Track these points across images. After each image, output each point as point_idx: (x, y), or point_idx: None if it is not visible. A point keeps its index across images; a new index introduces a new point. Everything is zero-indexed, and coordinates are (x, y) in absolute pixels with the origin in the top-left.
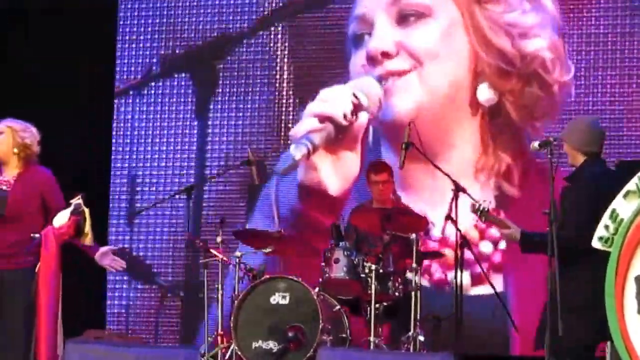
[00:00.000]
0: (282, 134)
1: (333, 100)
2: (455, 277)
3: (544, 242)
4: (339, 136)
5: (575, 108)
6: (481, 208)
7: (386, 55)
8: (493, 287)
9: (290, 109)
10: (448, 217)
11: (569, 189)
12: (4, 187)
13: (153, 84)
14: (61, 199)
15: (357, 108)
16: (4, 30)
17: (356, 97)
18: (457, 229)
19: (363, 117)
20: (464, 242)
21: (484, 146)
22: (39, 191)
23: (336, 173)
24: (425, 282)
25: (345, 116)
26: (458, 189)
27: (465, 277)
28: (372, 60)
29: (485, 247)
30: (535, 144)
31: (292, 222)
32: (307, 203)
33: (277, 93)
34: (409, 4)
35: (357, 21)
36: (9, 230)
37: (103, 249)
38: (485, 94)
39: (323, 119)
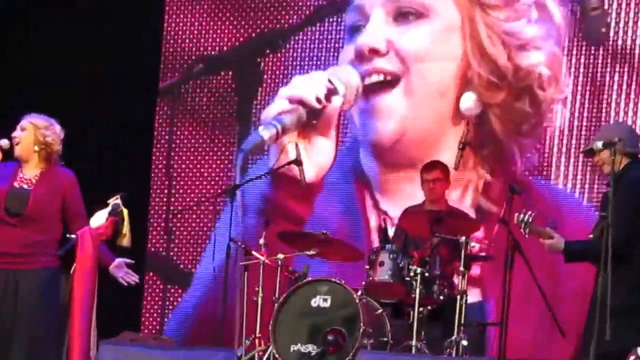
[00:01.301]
0: None
1: (306, 84)
2: (504, 282)
3: (588, 251)
4: (312, 121)
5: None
6: (525, 219)
7: (375, 52)
8: (541, 291)
9: None
10: (502, 220)
11: (612, 193)
12: (25, 186)
13: (196, 81)
14: (81, 203)
15: (330, 93)
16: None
17: (331, 82)
18: (510, 233)
19: (336, 102)
20: (515, 245)
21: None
22: (61, 193)
23: (309, 159)
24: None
25: (318, 100)
26: (513, 192)
27: None
28: (359, 56)
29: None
30: (599, 143)
31: (264, 209)
32: (280, 190)
33: None
34: (408, 1)
35: (355, 12)
36: (27, 230)
37: (118, 260)
38: (468, 103)
39: (294, 101)
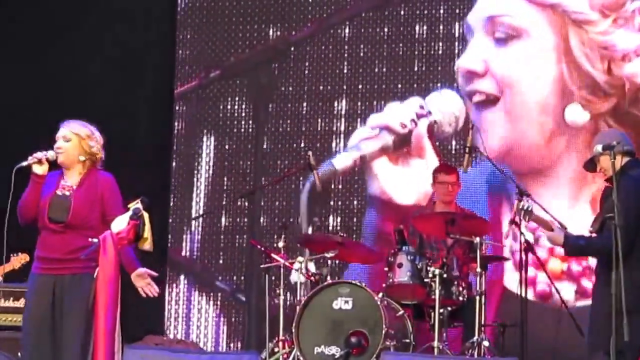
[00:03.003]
0: (341, 139)
1: (395, 110)
2: (521, 282)
3: (590, 246)
4: (403, 147)
5: None
6: (525, 207)
7: (474, 74)
8: (559, 294)
9: (351, 113)
10: (512, 221)
11: (611, 190)
12: (67, 193)
13: (213, 87)
14: (120, 205)
15: (419, 117)
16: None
17: (422, 107)
18: (522, 234)
19: (422, 125)
20: (528, 247)
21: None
22: (100, 196)
23: (404, 182)
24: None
25: (402, 125)
26: (522, 194)
27: (570, 291)
28: (462, 76)
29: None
30: (599, 147)
31: (370, 236)
32: (382, 215)
33: (337, 97)
34: (505, 24)
35: (466, 27)
36: (71, 236)
37: (140, 270)
38: (573, 115)
39: (379, 127)
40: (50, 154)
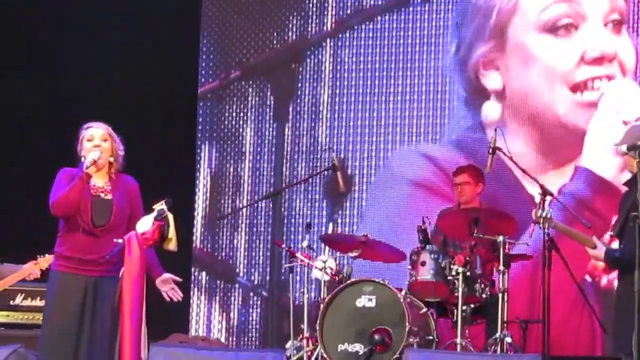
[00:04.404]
0: (364, 138)
1: None
2: (543, 279)
3: (623, 255)
4: None
5: None
6: (544, 215)
7: (603, 59)
8: (580, 289)
9: (375, 114)
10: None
11: (629, 194)
12: (107, 197)
13: (234, 87)
14: (142, 208)
15: None
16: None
17: None
18: (545, 232)
19: None
20: (551, 245)
21: None
22: (131, 200)
23: None
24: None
25: None
26: (545, 193)
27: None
28: (591, 59)
29: None
30: (623, 147)
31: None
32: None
33: (358, 97)
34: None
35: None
36: (107, 238)
37: (166, 275)
38: None
39: None
40: (97, 154)
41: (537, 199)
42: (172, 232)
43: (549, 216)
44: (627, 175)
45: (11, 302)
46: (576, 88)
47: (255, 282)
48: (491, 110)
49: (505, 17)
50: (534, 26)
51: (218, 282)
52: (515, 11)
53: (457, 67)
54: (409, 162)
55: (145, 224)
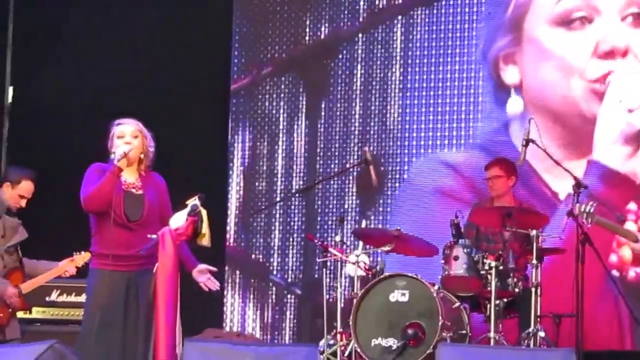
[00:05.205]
0: (397, 134)
1: None
2: (576, 273)
3: None
4: None
5: None
6: (587, 210)
7: (614, 53)
8: (615, 282)
9: (407, 109)
10: (570, 213)
11: None
12: (138, 192)
13: (266, 82)
14: (170, 204)
15: None
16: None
17: None
18: (579, 226)
19: None
20: (585, 238)
21: None
22: (160, 196)
23: None
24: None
25: None
26: (579, 186)
27: None
28: (602, 53)
29: None
30: None
31: None
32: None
33: (389, 92)
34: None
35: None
36: (142, 233)
37: (201, 266)
38: None
39: None
40: (127, 147)
41: (562, 195)
42: (205, 228)
43: (591, 211)
44: (635, 163)
45: (47, 299)
46: (590, 81)
47: (288, 277)
48: (514, 104)
49: (521, 11)
50: (548, 19)
51: (251, 277)
52: (530, 4)
53: (478, 62)
54: (442, 156)
55: (178, 219)
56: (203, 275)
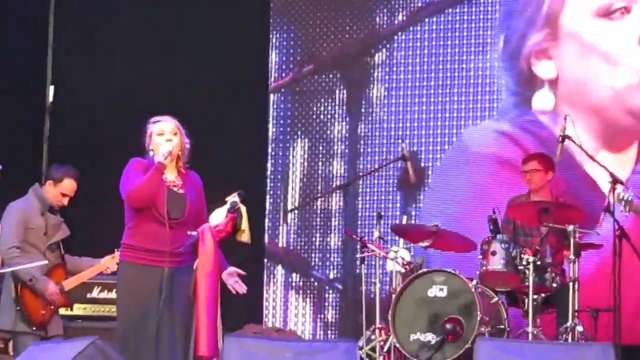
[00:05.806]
0: (436, 131)
1: None
2: (614, 269)
3: None
4: None
5: None
6: (626, 197)
7: None
8: None
9: (447, 106)
10: (606, 209)
11: None
12: (180, 191)
13: (305, 81)
14: (205, 203)
15: None
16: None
17: None
18: (615, 221)
19: None
20: (621, 233)
21: None
22: (198, 194)
23: None
24: None
25: None
26: (615, 181)
27: None
28: None
29: None
30: None
31: None
32: None
33: (429, 90)
34: None
35: None
36: (181, 231)
37: (231, 269)
38: None
39: None
40: (170, 145)
41: (605, 187)
42: (245, 224)
43: (630, 199)
44: None
45: (88, 295)
46: (636, 71)
47: (328, 273)
48: (545, 99)
49: (557, 6)
50: (588, 13)
51: (291, 273)
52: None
53: (507, 58)
54: (480, 151)
55: (218, 216)
56: (232, 278)
